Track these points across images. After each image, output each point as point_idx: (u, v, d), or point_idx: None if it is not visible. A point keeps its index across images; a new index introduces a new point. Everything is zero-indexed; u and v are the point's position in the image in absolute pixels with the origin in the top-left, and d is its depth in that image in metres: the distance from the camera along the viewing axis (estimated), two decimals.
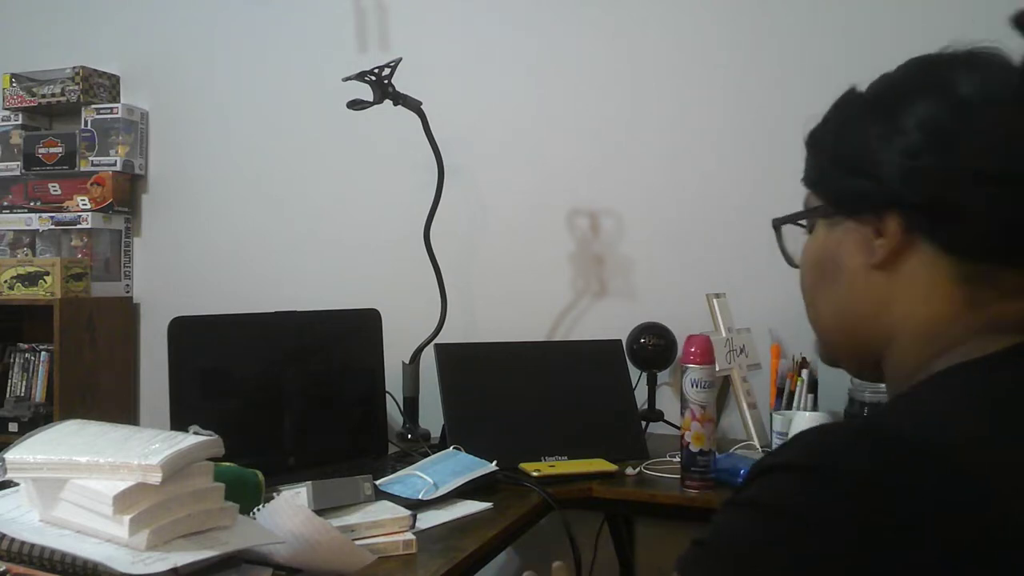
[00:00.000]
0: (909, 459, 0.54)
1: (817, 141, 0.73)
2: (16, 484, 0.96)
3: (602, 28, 2.14)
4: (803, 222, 0.76)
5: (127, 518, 0.84)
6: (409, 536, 1.19)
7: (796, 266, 0.78)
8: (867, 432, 0.59)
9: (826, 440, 0.58)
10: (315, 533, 0.97)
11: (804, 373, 1.82)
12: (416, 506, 1.32)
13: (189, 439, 0.90)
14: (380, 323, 1.81)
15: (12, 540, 0.87)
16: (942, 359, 0.64)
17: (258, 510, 1.04)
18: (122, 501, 0.84)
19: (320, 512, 1.19)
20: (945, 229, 0.64)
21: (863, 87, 0.72)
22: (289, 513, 0.98)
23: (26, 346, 2.53)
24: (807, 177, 0.74)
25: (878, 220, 0.67)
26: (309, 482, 1.24)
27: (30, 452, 0.89)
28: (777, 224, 0.78)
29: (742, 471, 1.50)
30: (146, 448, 0.87)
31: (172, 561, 0.82)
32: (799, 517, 0.55)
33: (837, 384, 1.73)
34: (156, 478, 0.85)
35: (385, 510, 1.26)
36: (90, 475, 0.86)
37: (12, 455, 0.88)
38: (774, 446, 1.72)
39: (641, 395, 1.95)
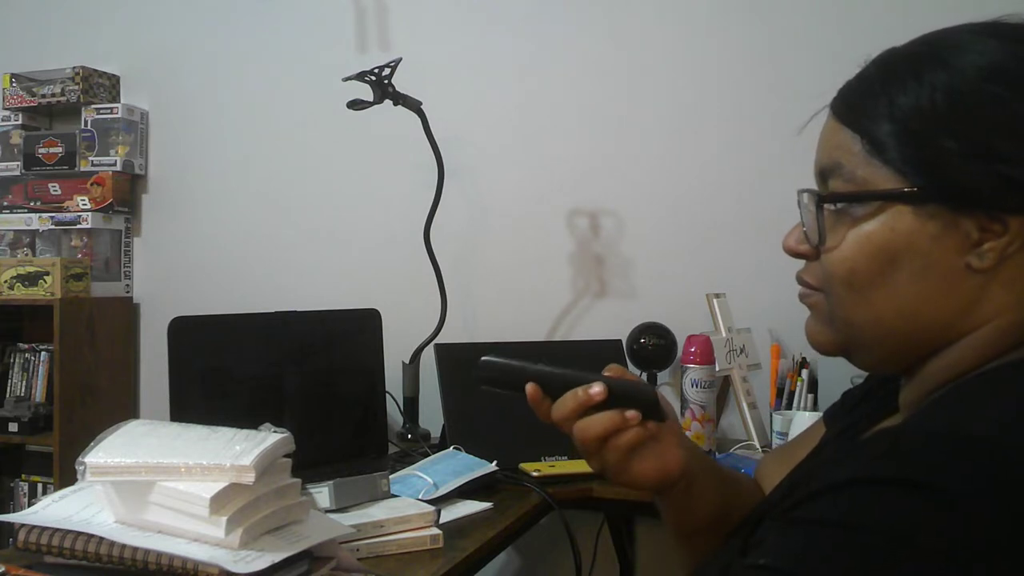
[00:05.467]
0: (1013, 474, 0.51)
1: (921, 111, 0.61)
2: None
3: (602, 28, 2.14)
4: (834, 203, 0.65)
5: (224, 519, 0.85)
6: (435, 531, 1.19)
7: (820, 246, 0.66)
8: (963, 441, 0.53)
9: (916, 451, 0.53)
10: None
11: (804, 373, 1.82)
12: None
13: (269, 437, 0.92)
14: (380, 323, 1.81)
15: (101, 541, 0.87)
16: (1005, 356, 0.62)
17: None
18: (218, 501, 0.85)
19: (341, 510, 1.20)
20: None
21: (976, 55, 0.61)
22: None
23: (26, 346, 2.53)
24: (891, 151, 0.62)
25: (990, 220, 0.59)
26: (331, 482, 1.23)
27: (111, 456, 0.88)
28: (825, 200, 0.66)
29: (742, 471, 1.50)
30: (231, 448, 0.88)
31: (269, 559, 0.84)
32: (904, 540, 0.49)
33: (837, 384, 1.72)
34: (250, 478, 0.86)
35: (408, 506, 1.25)
36: (180, 477, 0.86)
37: (93, 459, 0.88)
38: (774, 446, 1.72)
39: None
